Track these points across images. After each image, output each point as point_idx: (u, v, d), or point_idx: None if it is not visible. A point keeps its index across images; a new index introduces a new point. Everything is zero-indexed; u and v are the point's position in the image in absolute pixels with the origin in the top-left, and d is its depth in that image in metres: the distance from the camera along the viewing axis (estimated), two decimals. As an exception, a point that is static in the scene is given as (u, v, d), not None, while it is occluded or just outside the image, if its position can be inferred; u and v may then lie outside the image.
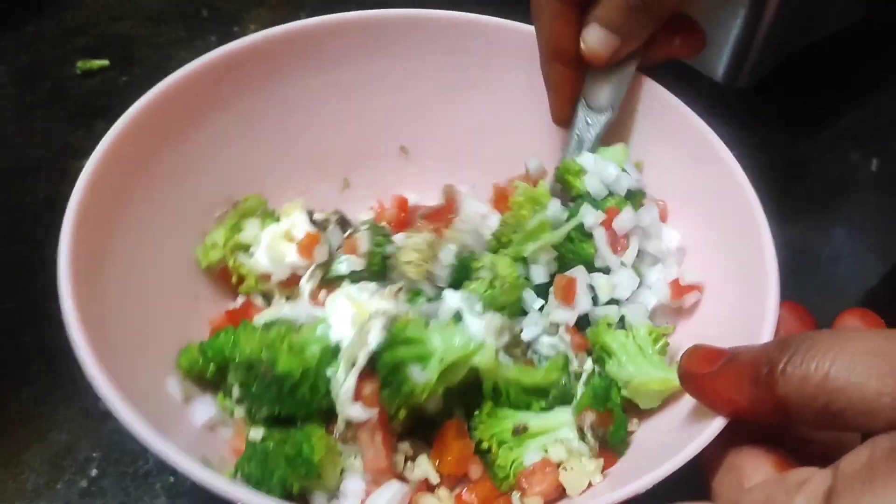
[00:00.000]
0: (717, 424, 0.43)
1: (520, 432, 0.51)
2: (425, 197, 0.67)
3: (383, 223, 0.64)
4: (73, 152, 0.78)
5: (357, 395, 0.49)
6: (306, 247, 0.58)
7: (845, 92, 0.83)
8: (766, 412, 0.40)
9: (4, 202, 0.75)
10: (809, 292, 0.67)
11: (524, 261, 0.57)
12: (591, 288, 0.56)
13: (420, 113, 0.68)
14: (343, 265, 0.58)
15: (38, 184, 0.75)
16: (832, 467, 0.35)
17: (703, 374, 0.43)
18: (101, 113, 0.81)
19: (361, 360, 0.49)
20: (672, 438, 0.48)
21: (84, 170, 0.51)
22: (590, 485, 0.51)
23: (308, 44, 0.63)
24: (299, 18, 0.64)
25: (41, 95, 0.83)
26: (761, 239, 0.52)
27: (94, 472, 0.59)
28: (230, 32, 0.89)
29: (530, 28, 0.61)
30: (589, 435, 0.51)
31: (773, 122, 0.78)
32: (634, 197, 0.59)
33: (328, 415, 0.51)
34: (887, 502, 0.32)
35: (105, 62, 0.85)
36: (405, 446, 0.52)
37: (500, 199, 0.63)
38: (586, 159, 0.59)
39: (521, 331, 0.56)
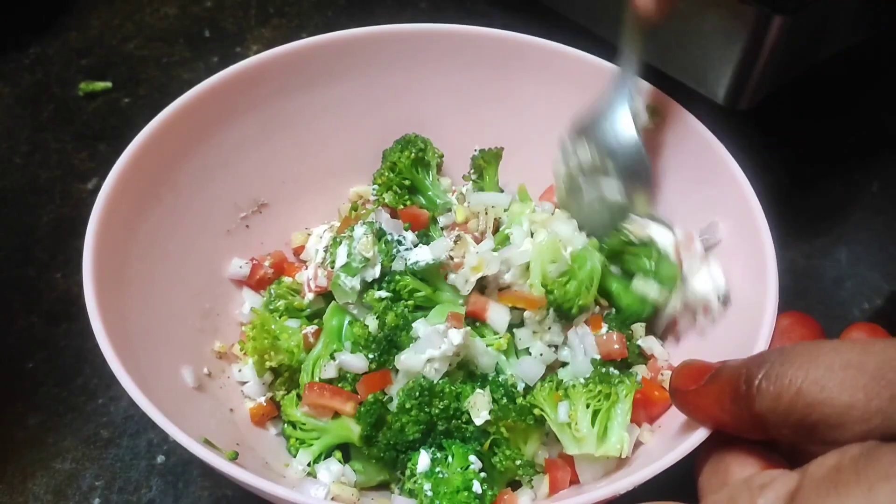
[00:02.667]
0: (697, 437, 0.44)
1: None
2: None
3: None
4: (77, 175, 0.78)
5: None
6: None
7: (847, 113, 0.83)
8: (747, 428, 0.40)
9: (10, 224, 0.75)
10: (814, 314, 0.67)
11: None
12: None
13: (440, 123, 0.69)
14: None
15: (42, 206, 0.75)
16: (800, 470, 0.36)
17: (689, 391, 0.44)
18: (104, 135, 0.81)
19: None
20: (662, 446, 0.49)
21: (105, 182, 0.54)
22: None
23: (318, 60, 0.64)
24: (301, 38, 0.64)
25: (45, 116, 0.83)
26: (764, 253, 0.52)
27: (96, 501, 0.58)
28: (233, 53, 0.90)
29: (551, 44, 0.63)
30: None
31: (775, 144, 0.78)
32: None
33: None
34: None
35: (108, 84, 0.86)
36: None
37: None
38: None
39: None
